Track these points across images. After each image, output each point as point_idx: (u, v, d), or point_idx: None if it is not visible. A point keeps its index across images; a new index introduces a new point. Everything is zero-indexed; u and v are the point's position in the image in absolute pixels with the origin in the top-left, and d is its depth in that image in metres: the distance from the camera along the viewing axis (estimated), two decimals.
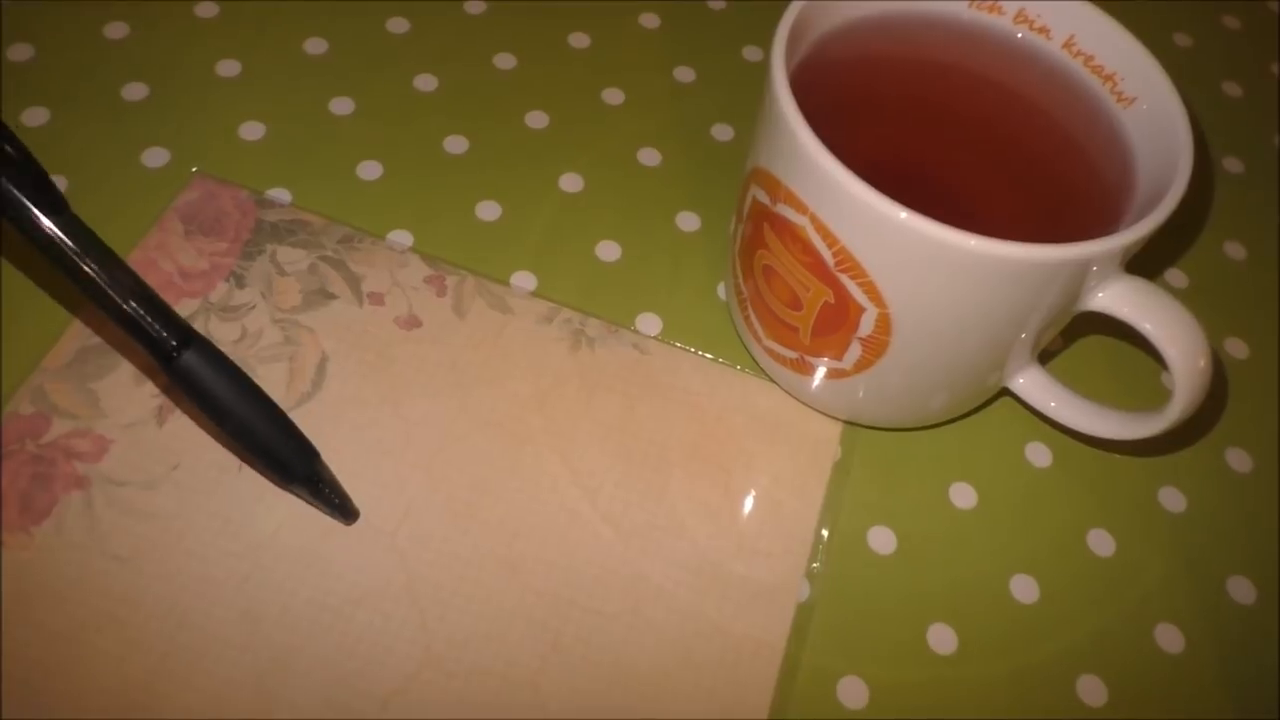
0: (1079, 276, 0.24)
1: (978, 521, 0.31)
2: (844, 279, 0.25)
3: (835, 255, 0.25)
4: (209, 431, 0.28)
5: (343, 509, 0.27)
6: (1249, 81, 0.44)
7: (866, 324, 0.26)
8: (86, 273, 0.23)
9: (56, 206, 0.23)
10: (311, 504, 0.27)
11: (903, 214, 0.23)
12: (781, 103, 0.24)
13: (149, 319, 0.24)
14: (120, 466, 0.28)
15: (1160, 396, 0.33)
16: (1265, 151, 0.42)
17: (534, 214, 0.34)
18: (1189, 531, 0.31)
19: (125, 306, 0.24)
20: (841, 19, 0.28)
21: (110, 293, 0.23)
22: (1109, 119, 0.28)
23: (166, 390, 0.29)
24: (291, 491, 0.27)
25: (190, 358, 0.24)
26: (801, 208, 0.25)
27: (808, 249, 0.25)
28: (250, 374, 0.29)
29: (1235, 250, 0.38)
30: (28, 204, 0.23)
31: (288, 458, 0.26)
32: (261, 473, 0.28)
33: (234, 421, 0.25)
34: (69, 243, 0.23)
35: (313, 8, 0.38)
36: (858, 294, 0.25)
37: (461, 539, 0.28)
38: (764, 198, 0.26)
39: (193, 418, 0.28)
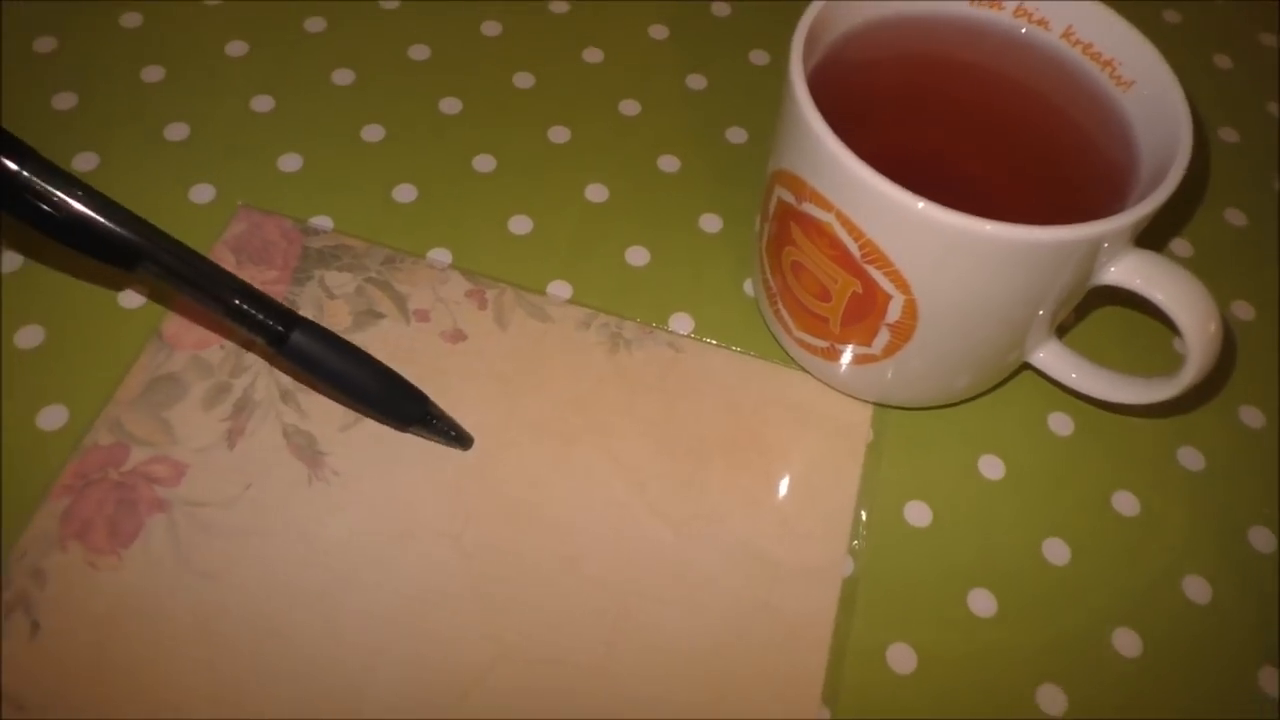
0: (1092, 254, 0.26)
1: (1007, 491, 0.32)
2: (871, 270, 0.27)
3: (862, 248, 0.26)
4: (329, 396, 0.31)
5: (459, 438, 0.30)
6: (1240, 53, 0.45)
7: (894, 311, 0.27)
8: (199, 279, 0.26)
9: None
10: (429, 439, 0.30)
11: (925, 206, 0.24)
12: (804, 108, 0.26)
13: (257, 311, 0.27)
14: (197, 489, 0.29)
15: (1172, 361, 0.35)
16: (1260, 120, 0.43)
17: (563, 225, 0.36)
18: (1208, 487, 0.33)
19: (235, 303, 0.26)
20: (851, 23, 0.30)
21: (221, 293, 0.26)
22: (1110, 103, 0.29)
23: (233, 416, 0.31)
24: (411, 432, 0.30)
25: (298, 337, 0.27)
26: (827, 205, 0.26)
27: (835, 244, 0.27)
28: (309, 393, 0.30)
29: (1235, 217, 0.40)
30: (151, 224, 0.26)
31: (402, 405, 0.29)
32: (381, 421, 0.31)
33: (349, 384, 0.28)
34: (181, 256, 0.26)
35: (337, 41, 0.40)
36: (884, 283, 0.27)
37: (521, 538, 0.30)
38: (789, 198, 0.28)
39: (311, 386, 0.31)
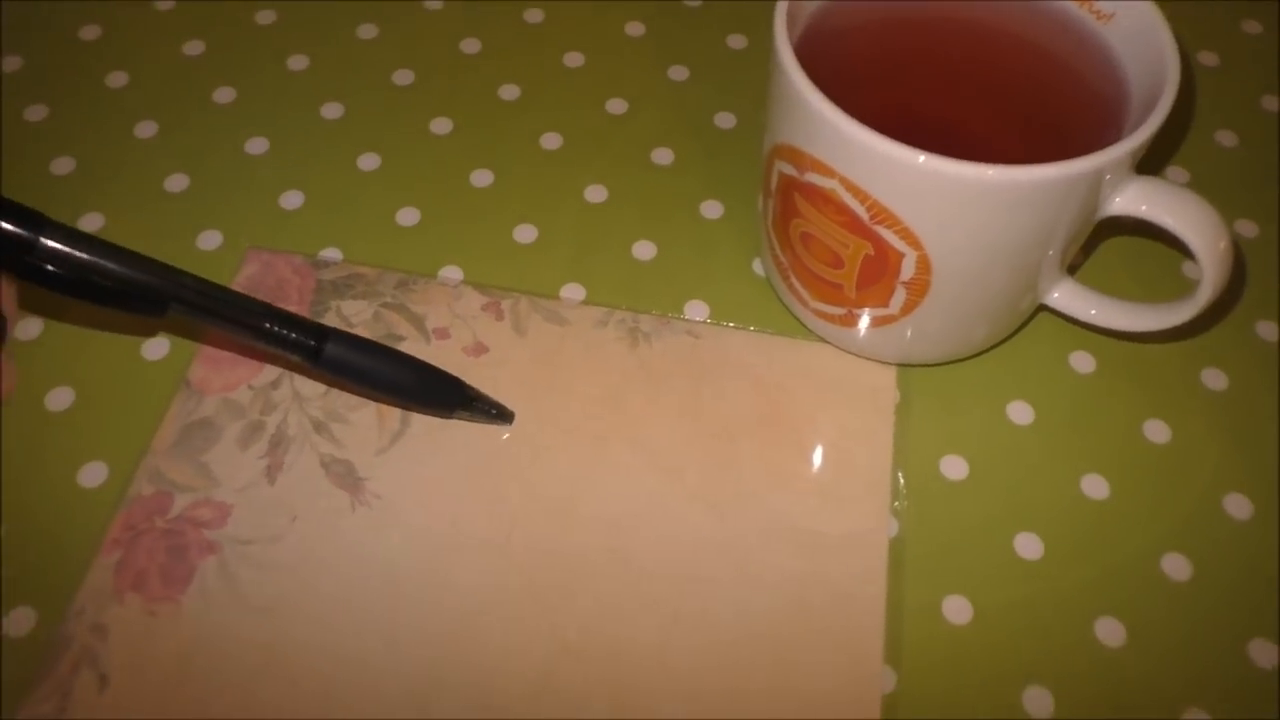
0: (1095, 186, 0.26)
1: (1039, 434, 0.33)
2: (880, 230, 0.27)
3: (869, 210, 0.26)
4: (369, 398, 0.32)
5: (501, 414, 0.31)
6: None
7: (908, 268, 0.28)
8: (228, 310, 0.27)
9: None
10: (473, 420, 0.31)
11: (928, 159, 0.24)
12: (795, 79, 0.26)
13: (288, 330, 0.28)
14: (244, 527, 0.30)
15: (1182, 286, 0.35)
16: (1237, 40, 0.43)
17: (568, 228, 0.36)
18: (1236, 405, 0.33)
19: (266, 326, 0.27)
20: None
21: (252, 319, 0.27)
22: (1093, 38, 0.30)
23: (269, 453, 0.31)
24: (455, 417, 0.31)
25: (331, 348, 0.28)
26: (829, 172, 0.27)
27: (842, 209, 0.27)
28: (342, 421, 0.31)
29: (1226, 138, 0.40)
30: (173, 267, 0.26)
31: (442, 393, 0.31)
32: (425, 413, 0.32)
33: (388, 383, 0.30)
34: (208, 291, 0.27)
35: (321, 76, 0.40)
36: (895, 242, 0.27)
37: (567, 538, 0.30)
38: (790, 170, 0.28)
39: (352, 391, 0.32)
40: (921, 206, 0.26)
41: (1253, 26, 0.44)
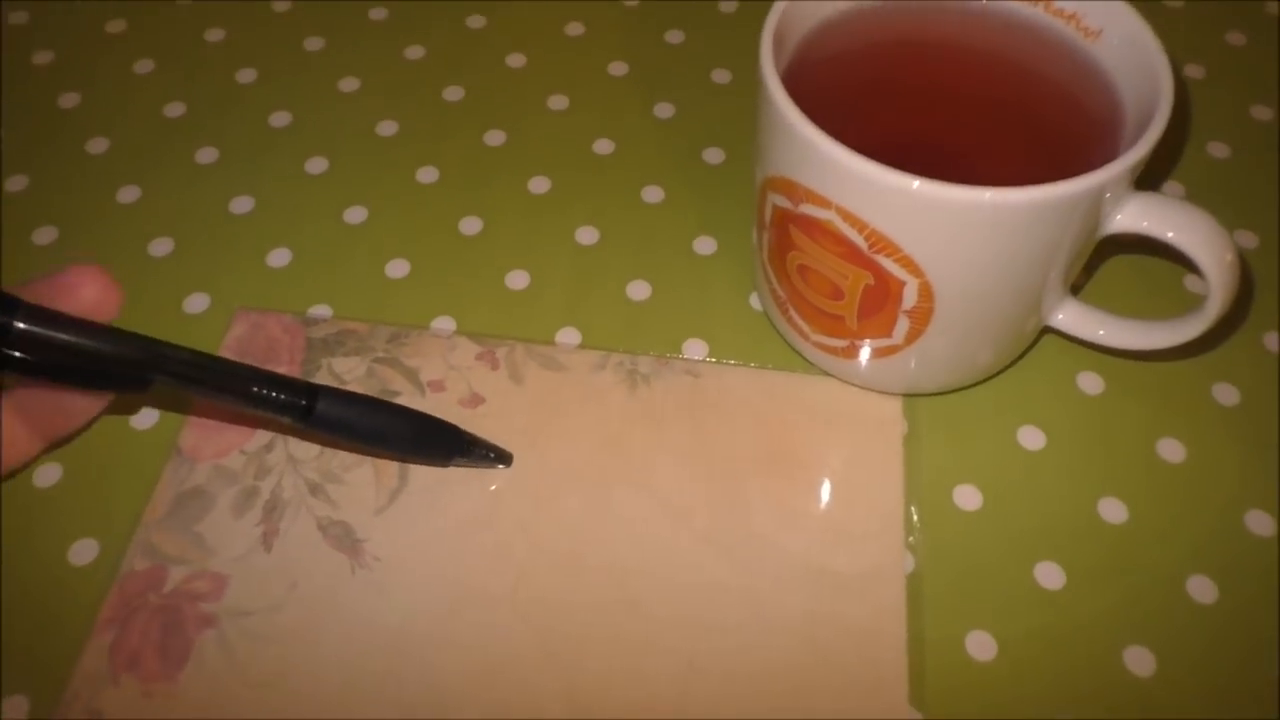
0: (1096, 205, 0.26)
1: (1051, 458, 0.32)
2: (880, 259, 0.26)
3: (868, 239, 0.26)
4: (365, 453, 0.31)
5: (500, 457, 0.31)
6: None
7: (909, 296, 0.27)
8: (214, 377, 0.26)
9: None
10: (473, 466, 0.31)
11: (926, 185, 0.24)
12: (785, 110, 0.26)
13: (276, 392, 0.27)
14: (242, 598, 0.29)
15: (1186, 302, 0.35)
16: (1221, 52, 0.43)
17: (560, 272, 0.36)
18: (1249, 419, 0.33)
19: (254, 390, 0.26)
20: (812, 23, 0.30)
21: (238, 385, 0.26)
22: (1082, 55, 0.29)
23: (265, 519, 0.30)
24: (453, 464, 0.31)
25: (323, 406, 0.27)
26: (825, 203, 0.26)
27: (839, 240, 0.27)
28: (338, 482, 0.30)
29: (1218, 150, 0.40)
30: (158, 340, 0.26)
31: (438, 443, 0.30)
32: (423, 463, 0.31)
33: (383, 437, 0.29)
34: (192, 361, 0.26)
35: (305, 131, 0.40)
36: (896, 270, 0.26)
37: (577, 589, 0.29)
38: (784, 202, 0.28)
39: (347, 448, 0.31)
40: (921, 233, 0.25)
41: (1236, 38, 0.44)
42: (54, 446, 0.30)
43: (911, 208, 0.25)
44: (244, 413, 0.30)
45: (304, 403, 0.27)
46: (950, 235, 0.25)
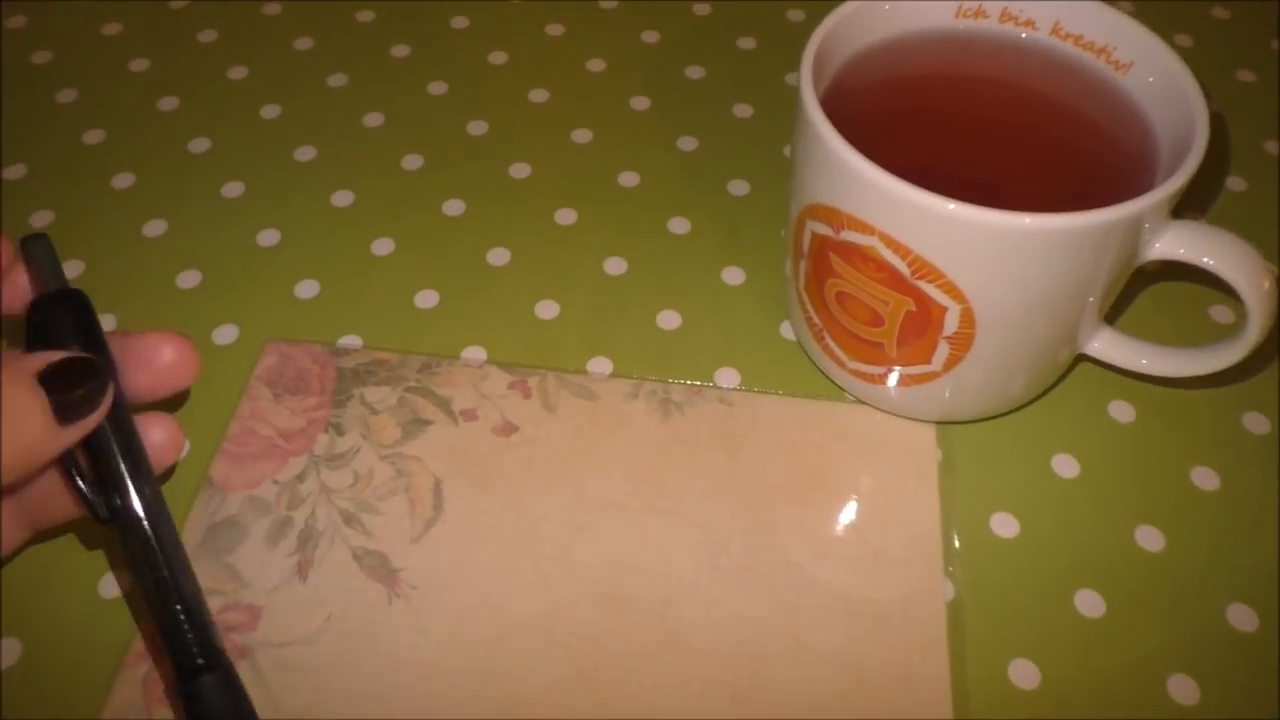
0: (1135, 232, 0.26)
1: (1086, 487, 0.32)
2: (923, 285, 0.26)
3: (910, 265, 0.26)
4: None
5: None
6: (1196, 30, 0.46)
7: (951, 322, 0.27)
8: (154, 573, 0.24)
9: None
10: None
11: (975, 211, 0.24)
12: (828, 139, 0.26)
13: (189, 630, 0.24)
14: (276, 629, 0.28)
15: (1212, 333, 0.35)
16: (1233, 89, 0.44)
17: (589, 302, 0.36)
18: None
19: (174, 608, 0.24)
20: (846, 55, 0.30)
21: (166, 595, 0.24)
22: (1114, 88, 0.30)
23: (299, 549, 0.30)
24: None
25: (209, 681, 0.24)
26: (868, 229, 0.26)
27: (881, 266, 0.27)
28: (372, 512, 0.30)
29: (1235, 184, 0.40)
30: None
31: None
32: None
33: None
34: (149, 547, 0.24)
35: (330, 165, 0.40)
36: (939, 296, 0.27)
37: (617, 619, 0.29)
38: (825, 230, 0.28)
39: None
40: (966, 259, 0.25)
41: (1247, 76, 0.45)
42: (38, 539, 0.29)
43: (955, 233, 0.25)
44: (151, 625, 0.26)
45: (200, 662, 0.24)
46: (995, 261, 0.25)
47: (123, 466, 0.24)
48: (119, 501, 0.24)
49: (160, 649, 0.25)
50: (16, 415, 0.22)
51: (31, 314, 0.25)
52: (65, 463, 0.24)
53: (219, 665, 0.24)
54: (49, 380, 0.23)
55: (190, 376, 0.26)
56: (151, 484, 0.25)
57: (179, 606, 0.24)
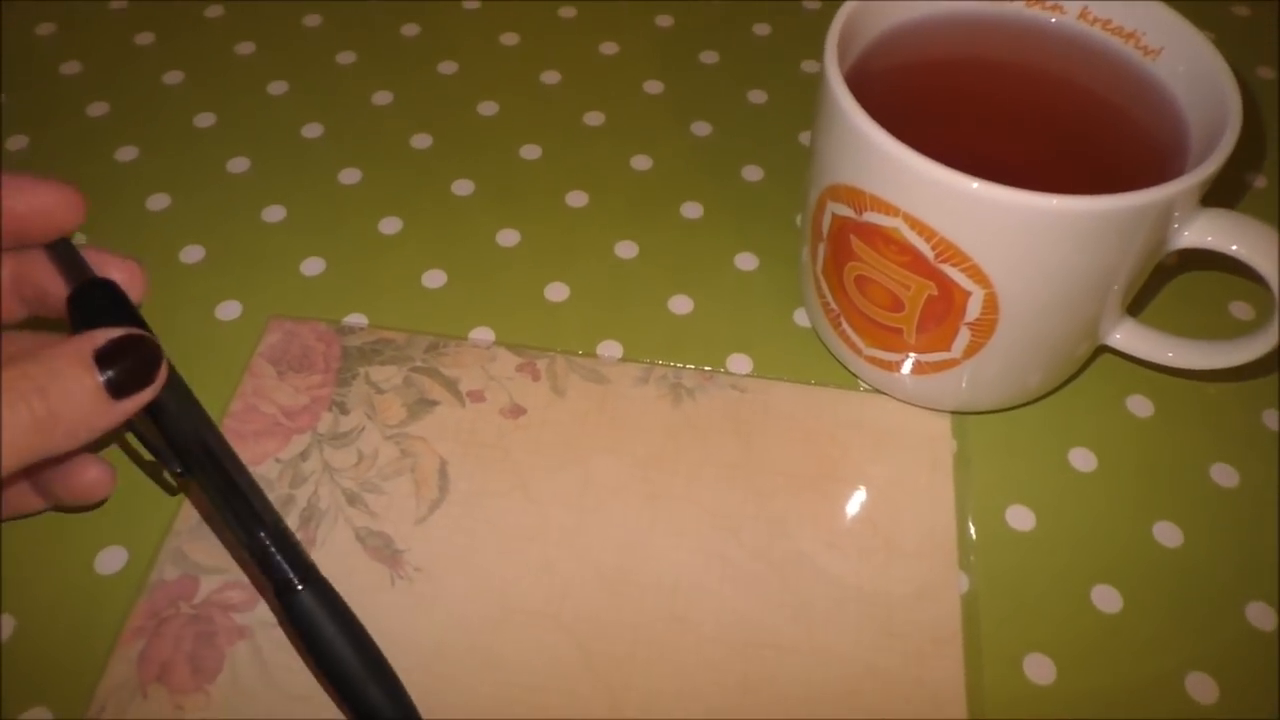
0: (1165, 217, 0.25)
1: (1103, 481, 0.31)
2: (946, 269, 0.26)
3: (934, 247, 0.25)
4: (312, 671, 0.27)
5: None
6: (1216, 27, 0.46)
7: (974, 307, 0.27)
8: (237, 503, 0.25)
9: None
10: None
11: (1003, 191, 0.24)
12: (854, 117, 0.25)
13: (279, 552, 0.25)
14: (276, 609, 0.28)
15: (1231, 326, 0.35)
16: (1250, 85, 0.43)
17: (600, 285, 0.35)
18: None
19: (259, 535, 0.25)
20: (870, 35, 0.30)
21: (251, 523, 0.25)
22: (1143, 74, 0.29)
23: (301, 528, 0.29)
24: None
25: (308, 594, 0.25)
26: (891, 210, 0.26)
27: (904, 248, 0.26)
28: (376, 492, 0.29)
29: (1257, 181, 0.40)
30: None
31: (374, 708, 0.24)
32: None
33: (329, 667, 0.25)
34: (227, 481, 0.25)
35: (337, 142, 0.39)
36: (962, 280, 0.26)
37: (625, 605, 0.28)
38: (846, 211, 0.27)
39: (300, 653, 0.27)
40: (992, 241, 0.25)
41: (1267, 73, 0.44)
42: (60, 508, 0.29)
43: (982, 214, 0.24)
44: (237, 550, 0.28)
45: (295, 578, 0.25)
46: (1023, 244, 0.25)
47: (186, 425, 0.25)
48: (190, 457, 0.25)
49: (259, 577, 0.28)
50: (73, 392, 0.23)
51: (71, 305, 0.25)
52: (131, 435, 0.26)
53: (313, 579, 0.25)
54: (104, 358, 0.23)
55: (106, 493, 0.28)
56: (213, 430, 0.26)
57: (263, 534, 0.25)
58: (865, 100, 0.26)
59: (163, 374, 0.24)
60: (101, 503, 0.29)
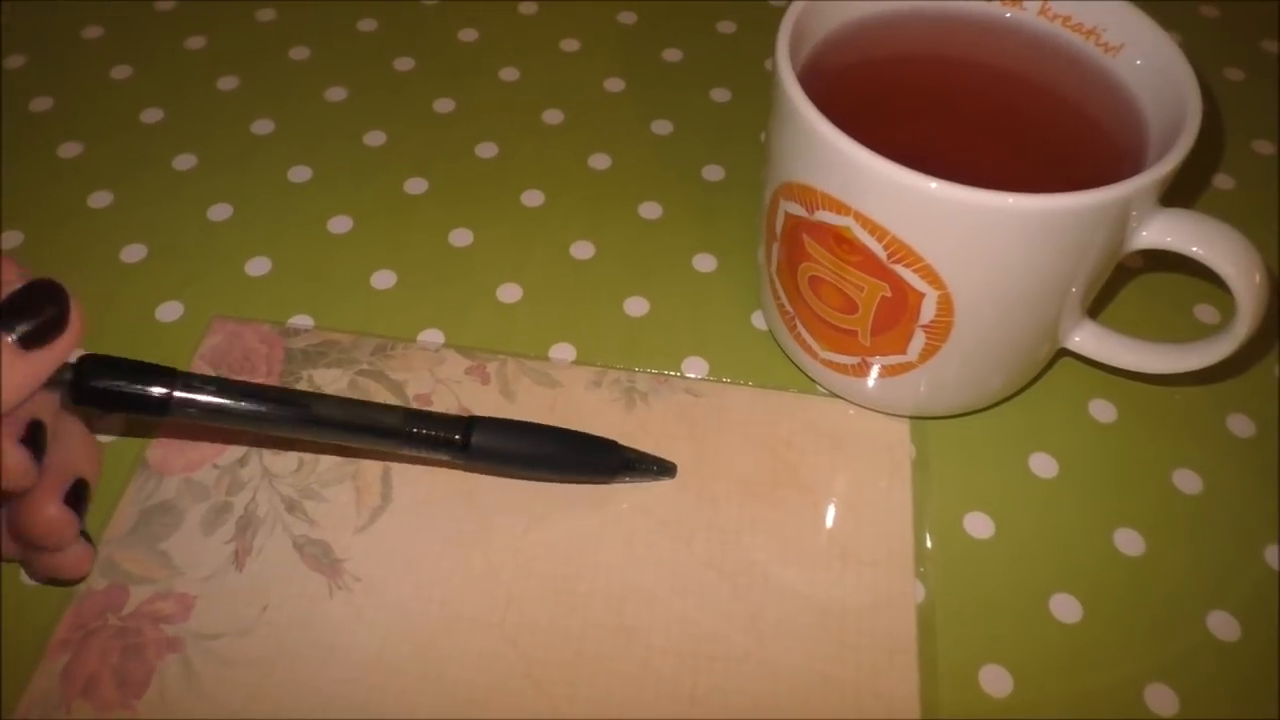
0: (1122, 217, 0.25)
1: (1064, 487, 0.31)
2: (899, 269, 0.25)
3: (887, 247, 0.25)
4: (524, 478, 0.29)
5: (663, 469, 0.29)
6: (1185, 28, 0.45)
7: (928, 309, 0.26)
8: (372, 425, 0.26)
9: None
10: (635, 481, 0.29)
11: (955, 189, 0.23)
12: (804, 112, 0.25)
13: (432, 430, 0.27)
14: (209, 620, 0.27)
15: (1195, 330, 0.34)
16: (1222, 88, 0.43)
17: (555, 287, 0.34)
18: (1265, 453, 0.32)
19: (412, 431, 0.26)
20: (826, 29, 0.29)
21: (396, 429, 0.26)
22: (1103, 71, 0.29)
23: (237, 536, 0.28)
24: (616, 481, 0.29)
25: (478, 439, 0.27)
26: (843, 209, 0.25)
27: (856, 248, 0.25)
28: (316, 499, 0.28)
29: (1224, 182, 0.39)
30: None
31: (600, 463, 0.29)
32: (583, 483, 0.29)
33: (542, 464, 0.28)
34: (347, 411, 0.26)
35: (288, 139, 0.38)
36: (915, 281, 0.25)
37: (570, 615, 0.27)
38: (798, 210, 0.26)
39: (500, 474, 0.29)
40: (944, 241, 0.24)
41: (1235, 74, 0.44)
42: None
43: (935, 213, 0.24)
44: (396, 454, 0.29)
45: (458, 438, 0.27)
46: (976, 244, 0.24)
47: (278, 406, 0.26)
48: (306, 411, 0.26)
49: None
50: None
51: None
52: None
53: (473, 424, 0.27)
54: (5, 314, 0.22)
55: (71, 536, 0.26)
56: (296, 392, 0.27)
57: (412, 428, 0.26)
58: (818, 97, 0.25)
59: (75, 320, 0.23)
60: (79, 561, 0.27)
